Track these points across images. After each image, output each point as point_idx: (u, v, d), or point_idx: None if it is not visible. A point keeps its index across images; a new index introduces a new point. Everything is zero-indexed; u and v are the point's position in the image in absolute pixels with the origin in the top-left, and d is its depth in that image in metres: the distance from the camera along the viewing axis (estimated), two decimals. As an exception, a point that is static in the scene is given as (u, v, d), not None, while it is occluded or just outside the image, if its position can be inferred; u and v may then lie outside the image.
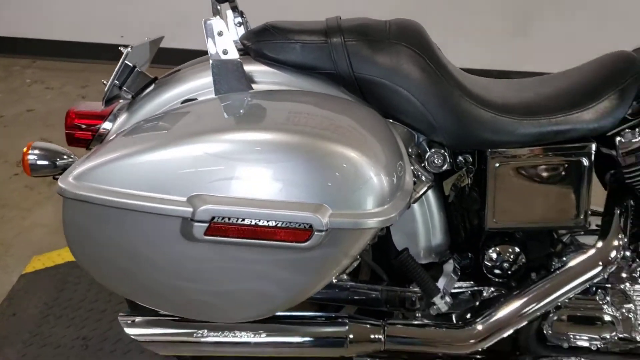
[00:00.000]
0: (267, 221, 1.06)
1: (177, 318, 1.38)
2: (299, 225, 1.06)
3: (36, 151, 1.29)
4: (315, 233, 1.07)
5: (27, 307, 2.02)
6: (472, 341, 1.37)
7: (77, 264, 2.14)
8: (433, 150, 1.33)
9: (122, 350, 1.87)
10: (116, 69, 1.33)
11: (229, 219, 1.06)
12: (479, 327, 1.37)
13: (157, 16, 3.46)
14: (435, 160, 1.33)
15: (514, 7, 3.36)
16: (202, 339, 1.36)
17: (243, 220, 1.06)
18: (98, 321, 1.96)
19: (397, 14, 1.45)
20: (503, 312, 1.38)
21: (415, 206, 1.43)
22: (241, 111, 1.22)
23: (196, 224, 1.07)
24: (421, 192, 1.32)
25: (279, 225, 1.07)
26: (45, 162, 1.28)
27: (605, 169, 1.46)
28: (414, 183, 1.28)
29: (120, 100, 1.42)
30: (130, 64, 1.35)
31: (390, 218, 1.11)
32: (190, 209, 1.06)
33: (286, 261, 1.12)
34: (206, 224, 1.07)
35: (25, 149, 1.29)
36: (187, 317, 1.30)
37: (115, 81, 1.33)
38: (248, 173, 1.08)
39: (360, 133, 1.17)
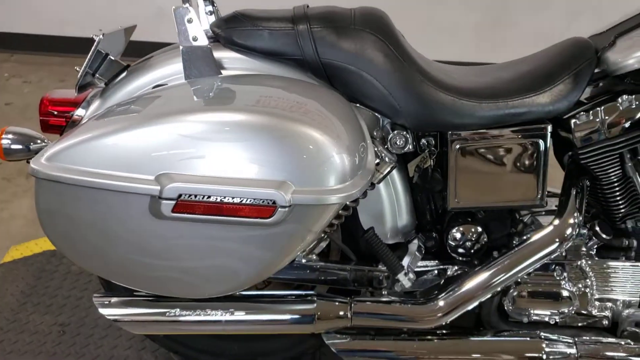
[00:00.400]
0: (232, 198, 1.11)
1: (150, 298, 1.42)
2: (263, 201, 1.11)
3: (10, 135, 1.32)
4: (279, 209, 1.12)
5: (5, 295, 2.05)
6: (434, 316, 1.42)
7: (54, 253, 2.20)
8: (395, 132, 1.38)
9: (99, 335, 1.90)
10: (88, 56, 1.36)
11: (195, 196, 1.11)
12: (441, 302, 1.42)
13: (138, 10, 3.47)
14: (397, 142, 1.39)
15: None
16: (175, 318, 1.41)
17: (209, 197, 1.11)
18: (75, 307, 1.99)
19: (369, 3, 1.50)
20: (464, 287, 1.43)
21: (382, 188, 1.48)
22: (209, 94, 1.26)
23: (164, 201, 1.11)
24: (385, 173, 1.37)
25: (244, 202, 1.11)
26: (19, 146, 1.31)
27: (564, 151, 1.52)
28: (378, 164, 1.34)
29: (94, 88, 1.46)
30: (103, 52, 1.39)
31: (351, 194, 1.16)
32: (158, 187, 1.10)
33: (252, 237, 1.16)
34: (173, 202, 1.11)
35: (-2, 134, 1.32)
36: (158, 293, 1.34)
37: (88, 69, 1.37)
38: (214, 152, 1.13)
39: (324, 115, 1.22)
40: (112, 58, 1.42)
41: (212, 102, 1.23)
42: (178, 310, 1.40)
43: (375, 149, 1.34)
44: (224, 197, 1.11)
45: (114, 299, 1.43)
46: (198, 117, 1.15)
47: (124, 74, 1.43)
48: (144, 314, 1.42)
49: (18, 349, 1.86)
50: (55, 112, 1.48)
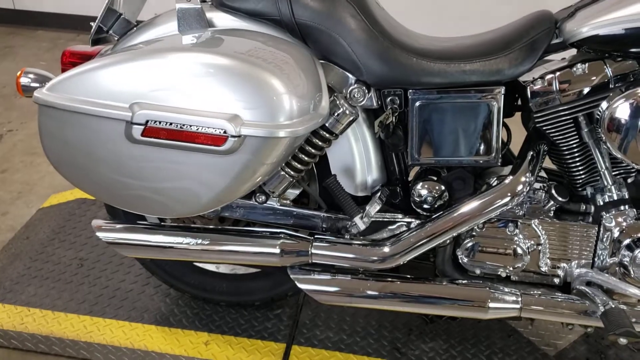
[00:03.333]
0: (191, 126, 1.30)
1: (138, 226, 1.64)
2: (216, 130, 1.29)
3: (29, 75, 1.56)
4: (230, 138, 1.29)
5: (38, 232, 2.33)
6: (387, 257, 1.55)
7: (85, 200, 2.46)
8: (355, 86, 1.53)
9: (112, 270, 2.15)
10: (101, 11, 1.59)
11: (160, 122, 1.30)
12: (394, 245, 1.55)
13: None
14: (356, 94, 1.53)
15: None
16: (157, 244, 1.61)
17: (172, 124, 1.30)
18: (95, 246, 2.24)
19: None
20: (416, 233, 1.56)
21: (353, 143, 1.62)
22: (192, 40, 1.46)
23: (135, 126, 1.31)
24: (345, 124, 1.52)
25: (200, 130, 1.30)
26: (35, 85, 1.55)
27: (526, 116, 1.61)
28: (339, 114, 1.48)
29: (107, 44, 1.69)
30: (118, 11, 1.61)
31: (297, 130, 1.32)
32: (130, 114, 1.30)
33: (209, 164, 1.34)
34: (142, 127, 1.31)
35: (18, 74, 1.57)
36: (136, 212, 1.54)
37: (102, 25, 1.59)
38: (181, 86, 1.32)
39: (285, 63, 1.39)
40: (125, 17, 1.64)
41: (188, 45, 1.42)
42: (160, 236, 1.61)
43: (338, 102, 1.49)
44: (184, 125, 1.30)
45: (107, 224, 1.65)
46: (171, 55, 1.35)
47: (133, 30, 1.65)
48: (132, 239, 1.64)
49: (42, 275, 2.13)
50: (73, 63, 1.71)
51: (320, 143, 1.52)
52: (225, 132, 1.29)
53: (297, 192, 1.71)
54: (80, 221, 2.38)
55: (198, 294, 1.96)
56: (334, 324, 1.94)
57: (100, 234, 1.65)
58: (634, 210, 1.54)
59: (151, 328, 1.93)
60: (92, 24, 1.63)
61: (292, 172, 1.56)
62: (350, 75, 1.56)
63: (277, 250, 1.59)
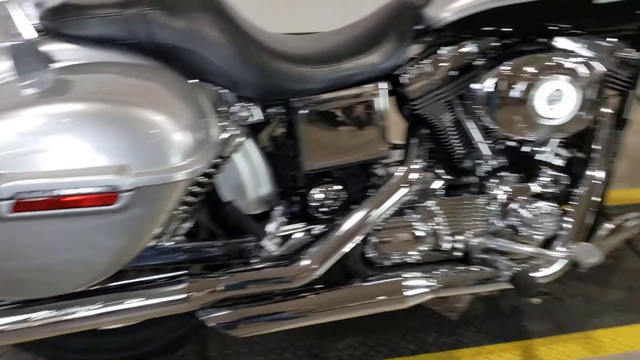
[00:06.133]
0: (72, 189, 1.10)
1: (8, 305, 1.38)
2: (104, 188, 1.11)
3: None
4: (122, 194, 1.12)
5: None
6: (303, 273, 1.50)
7: None
8: (239, 104, 1.42)
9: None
10: None
11: (34, 192, 1.09)
12: (307, 260, 1.50)
13: None
14: (241, 114, 1.43)
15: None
16: (40, 322, 1.38)
17: (49, 192, 1.09)
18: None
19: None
20: (326, 242, 1.52)
21: (239, 160, 1.52)
22: (39, 87, 1.23)
23: (1, 202, 1.08)
24: (233, 145, 1.41)
25: (85, 192, 1.11)
26: None
27: (403, 105, 1.64)
28: (226, 138, 1.37)
29: None
30: None
31: (196, 170, 1.19)
32: (-9, 189, 1.07)
33: (101, 226, 1.16)
34: (12, 201, 1.08)
35: None
36: (19, 297, 1.30)
37: None
38: (49, 145, 1.11)
39: (159, 95, 1.23)
40: None
41: (41, 94, 1.20)
42: (41, 313, 1.37)
43: (221, 123, 1.37)
44: (65, 190, 1.10)
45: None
46: (28, 111, 1.12)
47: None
48: (6, 323, 1.38)
49: None
50: None
51: (211, 172, 1.39)
52: (115, 188, 1.12)
53: (190, 224, 1.57)
54: None
55: (90, 358, 1.73)
56: (246, 349, 1.85)
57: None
58: (513, 174, 1.65)
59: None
60: None
61: (184, 208, 1.42)
62: (229, 93, 1.44)
63: (182, 296, 1.45)
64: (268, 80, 1.42)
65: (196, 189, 1.40)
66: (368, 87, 1.50)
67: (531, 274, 1.58)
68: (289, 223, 1.59)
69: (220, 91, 1.44)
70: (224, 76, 1.39)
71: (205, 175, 1.39)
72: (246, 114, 1.43)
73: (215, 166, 1.39)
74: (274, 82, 1.42)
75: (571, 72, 1.49)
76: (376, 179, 1.65)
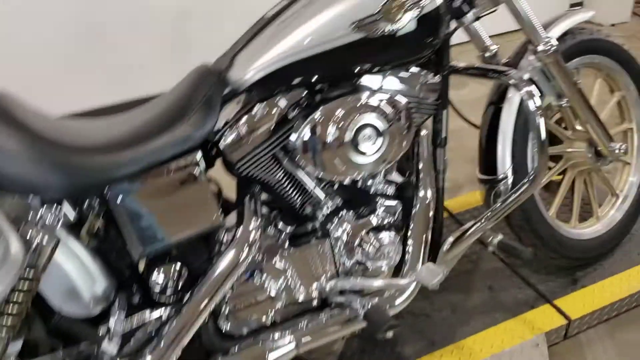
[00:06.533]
0: None
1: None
2: None
3: None
4: None
5: None
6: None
7: None
8: (44, 208, 1.32)
9: None
10: None
11: None
12: (155, 351, 1.42)
13: None
14: (49, 219, 1.33)
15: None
16: None
17: None
18: None
19: None
20: (174, 327, 1.45)
21: (64, 264, 1.41)
22: None
23: None
24: (48, 254, 1.31)
25: None
26: None
27: (230, 168, 1.61)
28: (35, 248, 1.27)
29: None
30: None
31: (-4, 296, 1.09)
32: None
33: None
34: None
35: None
36: None
37: None
38: None
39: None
40: None
41: None
42: None
43: (29, 235, 1.27)
44: None
45: None
46: None
47: None
48: None
49: None
50: None
51: (27, 287, 1.28)
52: None
53: (20, 342, 1.43)
54: None
55: None
56: None
57: None
58: (351, 211, 1.68)
59: None
60: None
61: (5, 331, 1.29)
62: (33, 197, 1.34)
63: None
64: (71, 177, 1.33)
65: (14, 309, 1.28)
66: (187, 160, 1.46)
67: (385, 307, 1.60)
68: (132, 315, 1.50)
69: (26, 198, 1.34)
70: (20, 182, 1.30)
71: (21, 292, 1.28)
72: (54, 217, 1.33)
73: (32, 280, 1.29)
74: (78, 178, 1.34)
75: (377, 110, 1.55)
76: (217, 246, 1.61)
